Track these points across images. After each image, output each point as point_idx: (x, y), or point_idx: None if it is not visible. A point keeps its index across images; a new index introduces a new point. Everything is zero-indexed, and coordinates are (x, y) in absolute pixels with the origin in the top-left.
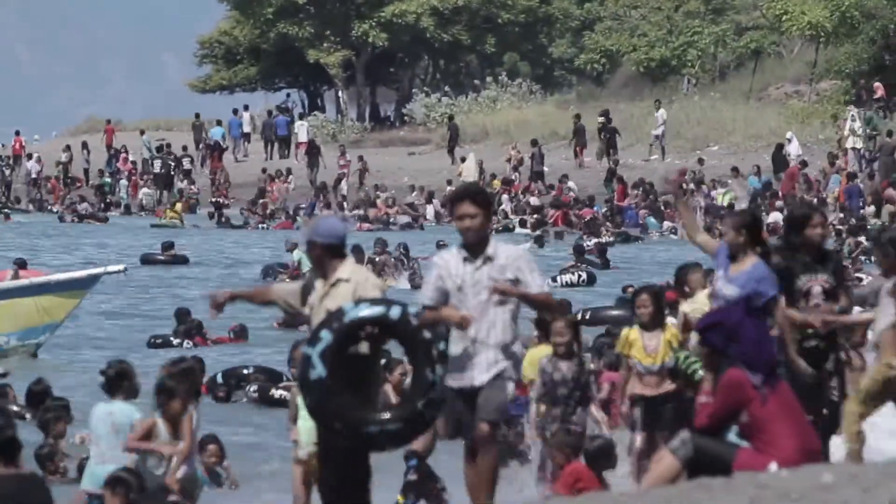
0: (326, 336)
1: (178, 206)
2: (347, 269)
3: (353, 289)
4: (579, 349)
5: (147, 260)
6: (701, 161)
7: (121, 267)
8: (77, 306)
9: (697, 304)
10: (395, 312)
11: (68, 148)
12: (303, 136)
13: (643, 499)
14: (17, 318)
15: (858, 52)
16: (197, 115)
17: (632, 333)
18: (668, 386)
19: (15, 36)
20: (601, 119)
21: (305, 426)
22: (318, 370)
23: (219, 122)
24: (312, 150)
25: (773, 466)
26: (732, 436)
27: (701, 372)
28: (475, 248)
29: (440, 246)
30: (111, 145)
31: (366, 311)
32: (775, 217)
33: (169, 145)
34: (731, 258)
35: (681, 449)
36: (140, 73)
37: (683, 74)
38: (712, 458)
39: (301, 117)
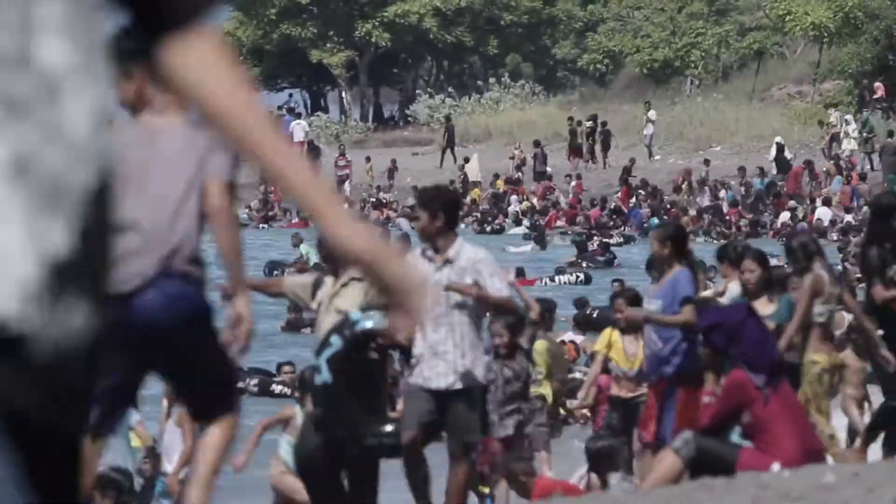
0: (336, 342)
1: None
2: None
3: (365, 288)
4: (518, 347)
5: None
6: (707, 162)
7: None
8: None
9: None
10: None
11: None
12: (299, 136)
13: (645, 498)
14: None
15: (862, 53)
16: None
17: (614, 335)
18: (645, 388)
19: None
20: (589, 123)
21: None
22: (325, 376)
23: None
24: (313, 152)
25: (776, 466)
26: (735, 436)
27: None
28: (436, 248)
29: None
30: None
31: (378, 323)
32: (784, 218)
33: None
34: (658, 277)
35: (683, 449)
36: None
37: (686, 75)
38: (715, 458)
39: (298, 116)
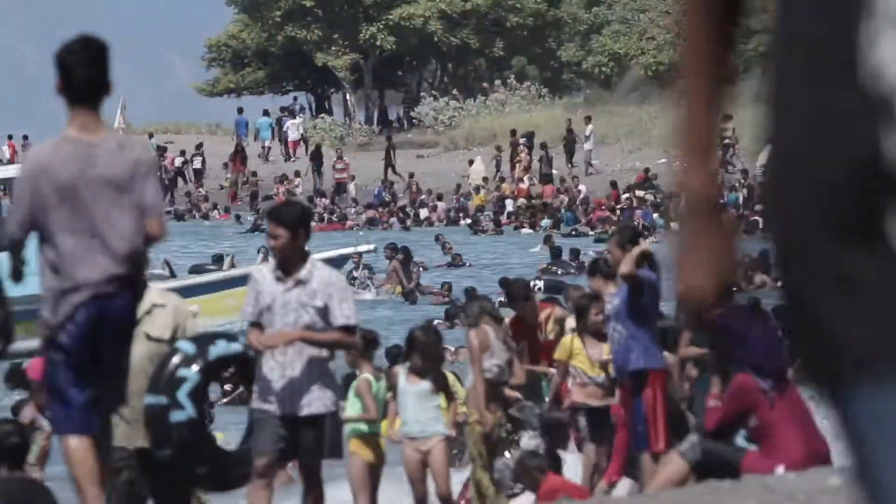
0: (191, 375)
1: None
2: (156, 294)
3: (173, 314)
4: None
5: (196, 271)
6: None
7: (371, 246)
8: None
9: None
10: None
11: None
12: (294, 135)
13: (652, 501)
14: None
15: None
16: (240, 110)
17: (575, 342)
18: (612, 399)
19: (22, 37)
20: (523, 140)
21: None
22: (189, 411)
23: (266, 112)
24: (317, 156)
25: (780, 469)
26: (741, 439)
27: None
28: (288, 267)
29: (437, 240)
30: None
31: (230, 350)
32: None
33: (164, 148)
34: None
35: (689, 452)
36: (146, 76)
37: None
38: (721, 462)
39: (293, 115)
